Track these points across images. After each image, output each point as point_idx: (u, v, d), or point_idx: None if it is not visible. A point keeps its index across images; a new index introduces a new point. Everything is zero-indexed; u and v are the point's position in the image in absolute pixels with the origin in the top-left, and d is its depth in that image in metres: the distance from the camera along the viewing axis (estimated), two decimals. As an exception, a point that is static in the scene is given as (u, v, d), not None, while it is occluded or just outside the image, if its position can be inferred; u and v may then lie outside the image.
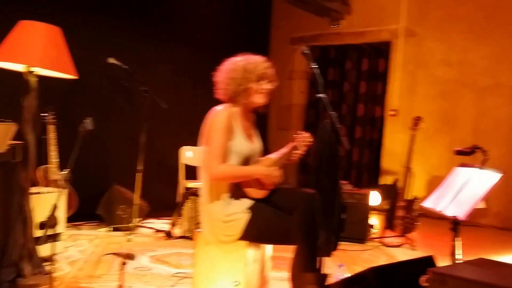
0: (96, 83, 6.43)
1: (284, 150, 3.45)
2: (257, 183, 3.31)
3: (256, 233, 3.24)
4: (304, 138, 3.39)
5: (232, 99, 3.36)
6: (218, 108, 3.32)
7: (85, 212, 6.05)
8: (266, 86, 3.35)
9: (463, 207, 3.37)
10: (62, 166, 5.57)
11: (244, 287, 3.27)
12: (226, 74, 3.34)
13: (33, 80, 3.84)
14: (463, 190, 3.48)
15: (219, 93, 3.40)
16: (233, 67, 3.32)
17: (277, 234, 3.25)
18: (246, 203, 3.27)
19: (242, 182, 3.30)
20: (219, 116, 3.25)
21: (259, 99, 3.36)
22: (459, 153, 4.28)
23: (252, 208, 3.25)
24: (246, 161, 3.34)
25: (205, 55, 7.83)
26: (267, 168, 3.30)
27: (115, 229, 5.90)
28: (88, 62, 5.76)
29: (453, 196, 3.48)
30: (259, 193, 3.31)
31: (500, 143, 7.61)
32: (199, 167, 3.38)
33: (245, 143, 3.32)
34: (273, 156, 3.46)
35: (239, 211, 3.24)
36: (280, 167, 3.39)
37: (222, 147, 3.20)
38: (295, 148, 3.39)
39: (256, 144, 3.47)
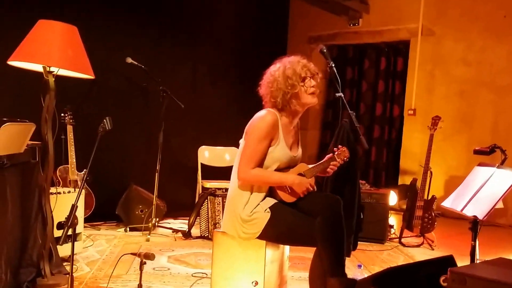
0: (114, 83, 6.45)
1: (321, 161, 3.43)
2: (288, 188, 3.30)
3: (275, 233, 3.24)
4: (342, 152, 3.37)
5: (283, 108, 3.33)
6: (264, 112, 3.30)
7: (103, 212, 6.09)
8: (312, 83, 3.31)
9: (482, 207, 3.33)
10: (80, 166, 5.61)
11: (263, 287, 3.26)
12: (269, 88, 3.30)
13: (51, 80, 3.85)
14: (482, 190, 3.44)
15: (268, 106, 3.36)
16: (273, 78, 3.29)
17: (296, 235, 3.24)
18: (268, 202, 3.27)
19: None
20: (264, 122, 3.23)
21: (310, 100, 3.33)
22: (477, 152, 4.26)
23: (273, 208, 3.24)
24: (284, 168, 3.34)
25: (223, 55, 7.87)
26: (297, 177, 3.27)
27: (133, 229, 5.92)
28: (106, 62, 5.82)
29: (472, 196, 3.44)
30: (288, 198, 3.29)
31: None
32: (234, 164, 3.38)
33: (286, 151, 3.32)
34: (310, 165, 3.44)
35: (260, 210, 3.24)
36: (313, 175, 3.37)
37: (258, 153, 3.22)
38: (332, 160, 3.37)
39: (297, 152, 3.46)
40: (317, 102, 3.37)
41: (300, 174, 3.32)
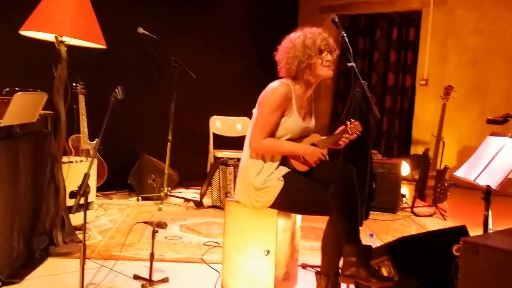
0: (126, 53, 6.43)
1: (334, 133, 3.41)
2: (301, 158, 3.29)
3: (288, 201, 3.23)
4: (355, 126, 3.34)
5: (296, 77, 3.31)
6: (277, 83, 3.28)
7: (115, 181, 6.14)
8: (329, 57, 3.28)
9: (495, 177, 3.29)
10: (92, 136, 5.63)
11: (274, 256, 3.27)
12: (286, 53, 3.27)
13: (63, 50, 3.84)
14: (495, 159, 3.40)
15: (282, 72, 3.34)
16: (292, 45, 3.25)
17: (309, 204, 3.23)
18: (282, 171, 3.27)
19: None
20: (277, 93, 3.21)
21: (325, 72, 3.30)
22: (490, 122, 4.21)
23: (286, 177, 3.24)
24: (297, 138, 3.33)
25: (235, 25, 7.83)
26: (309, 147, 3.27)
27: (145, 198, 5.97)
28: (118, 32, 5.78)
29: (485, 166, 3.40)
30: (301, 167, 3.29)
31: (533, 112, 7.48)
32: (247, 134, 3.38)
33: (299, 122, 3.30)
34: (323, 137, 3.42)
35: (274, 179, 3.23)
36: (325, 147, 3.35)
37: (270, 123, 3.21)
38: (345, 132, 3.34)
39: (310, 123, 3.45)
40: (331, 74, 3.34)
41: (312, 145, 3.31)
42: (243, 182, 3.33)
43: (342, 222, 3.08)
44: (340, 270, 3.12)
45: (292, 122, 3.27)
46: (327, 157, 3.35)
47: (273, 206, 3.25)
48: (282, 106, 3.22)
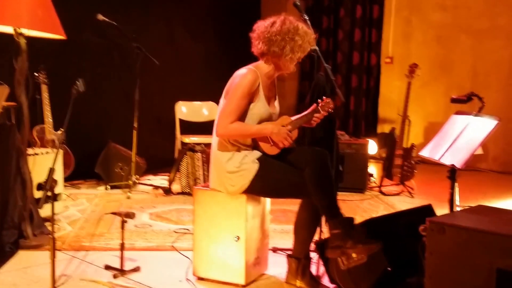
0: (87, 41, 6.34)
1: (304, 113, 3.42)
2: (268, 140, 3.30)
3: (264, 184, 3.25)
4: (326, 104, 3.35)
5: (266, 58, 3.33)
6: (244, 70, 3.29)
7: (82, 171, 6.10)
8: (300, 55, 3.30)
9: (460, 155, 3.35)
10: (57, 126, 5.56)
11: (245, 242, 3.30)
12: (271, 35, 3.25)
13: (23, 42, 3.80)
14: (460, 138, 3.46)
15: (255, 49, 3.34)
16: (281, 37, 3.23)
17: (285, 187, 3.27)
18: (256, 154, 3.29)
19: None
20: (245, 79, 3.22)
21: (291, 69, 3.36)
22: (455, 101, 4.27)
23: (261, 159, 3.26)
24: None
25: (198, 10, 7.78)
26: (276, 126, 3.27)
27: (114, 187, 5.94)
28: (77, 20, 5.71)
29: (450, 145, 3.46)
30: (271, 150, 3.30)
31: (498, 86, 7.64)
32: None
33: (266, 107, 3.32)
34: (293, 118, 3.44)
35: (249, 161, 3.25)
36: (296, 127, 3.38)
37: (239, 109, 3.21)
38: (316, 111, 3.35)
39: (275, 108, 3.47)
40: (292, 70, 3.39)
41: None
42: (216, 169, 3.34)
43: (322, 201, 3.13)
44: (326, 245, 3.16)
45: (260, 107, 3.29)
46: (295, 138, 3.37)
47: (247, 190, 3.26)
48: (251, 92, 3.24)
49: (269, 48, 3.26)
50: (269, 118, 3.37)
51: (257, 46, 3.32)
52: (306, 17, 3.58)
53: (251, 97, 3.25)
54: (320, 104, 3.35)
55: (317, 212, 3.24)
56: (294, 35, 3.24)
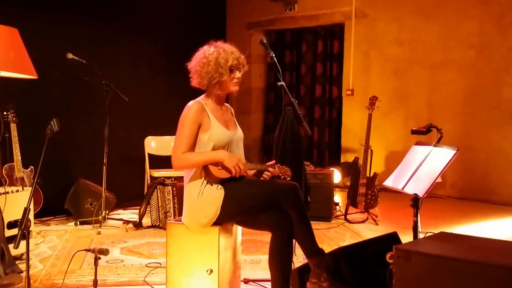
0: (56, 79, 6.40)
1: (260, 165, 3.54)
2: (219, 165, 3.35)
3: (235, 203, 3.32)
4: (286, 171, 3.51)
5: (207, 90, 3.46)
6: (190, 102, 3.41)
7: (51, 207, 6.07)
8: (238, 74, 3.43)
9: (422, 185, 3.46)
10: (25, 163, 5.58)
11: (217, 275, 3.33)
12: (199, 67, 3.40)
13: (-6, 82, 3.85)
14: (421, 168, 3.57)
15: (194, 82, 3.47)
16: (206, 61, 3.38)
17: (258, 197, 3.33)
18: (217, 182, 3.36)
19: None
20: (189, 110, 3.35)
21: (232, 88, 3.46)
22: (415, 132, 4.39)
23: (223, 184, 3.35)
24: (229, 148, 3.44)
25: (163, 45, 7.90)
26: (228, 153, 3.36)
27: (84, 223, 5.91)
28: (47, 59, 5.77)
29: (412, 175, 3.57)
30: (219, 173, 3.35)
31: (454, 116, 7.86)
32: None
33: (222, 130, 3.40)
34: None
35: (213, 189, 3.32)
36: (248, 169, 3.45)
37: (187, 138, 3.30)
38: (273, 168, 3.50)
39: (236, 130, 3.56)
40: (237, 89, 3.50)
41: None
42: (188, 205, 3.40)
43: (302, 244, 3.33)
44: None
45: (216, 131, 3.37)
46: (247, 171, 3.44)
47: (221, 217, 3.32)
48: (197, 120, 3.33)
49: (201, 80, 3.41)
50: (232, 141, 3.46)
51: (194, 83, 3.47)
52: (273, 54, 3.72)
53: (198, 124, 3.33)
54: (280, 166, 3.51)
55: (288, 243, 3.27)
56: (210, 59, 3.37)
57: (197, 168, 3.36)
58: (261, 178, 3.52)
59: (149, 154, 6.92)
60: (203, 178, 3.36)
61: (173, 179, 5.79)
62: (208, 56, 3.39)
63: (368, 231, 5.68)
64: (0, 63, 3.72)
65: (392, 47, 8.46)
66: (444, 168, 3.44)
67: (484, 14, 7.67)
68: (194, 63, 3.44)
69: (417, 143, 3.83)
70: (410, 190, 3.51)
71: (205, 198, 3.31)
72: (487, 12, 7.65)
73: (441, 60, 8.04)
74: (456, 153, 3.46)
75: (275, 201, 3.30)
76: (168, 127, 6.82)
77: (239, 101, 9.30)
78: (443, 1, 7.99)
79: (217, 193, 3.31)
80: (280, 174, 3.51)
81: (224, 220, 3.36)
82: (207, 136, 3.34)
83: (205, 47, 3.46)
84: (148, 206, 5.83)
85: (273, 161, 3.53)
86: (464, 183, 7.83)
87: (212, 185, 3.34)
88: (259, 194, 3.34)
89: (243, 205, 3.34)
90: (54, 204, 6.07)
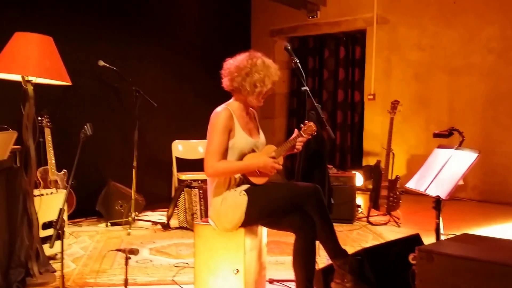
0: (89, 85, 6.55)
1: (288, 140, 3.54)
2: (257, 172, 3.43)
3: (260, 210, 3.36)
4: (309, 128, 3.48)
5: (234, 94, 3.53)
6: (218, 109, 3.45)
7: (83, 209, 6.21)
8: (261, 90, 3.46)
9: (444, 187, 3.49)
10: (59, 166, 5.75)
11: (244, 274, 3.40)
12: (238, 73, 3.44)
13: (30, 89, 3.93)
14: (443, 170, 3.60)
15: (225, 83, 3.51)
16: (246, 71, 3.42)
17: (280, 203, 3.38)
18: (242, 188, 3.42)
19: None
20: (219, 117, 3.38)
21: (257, 103, 3.53)
22: (437, 135, 4.38)
23: (247, 191, 3.39)
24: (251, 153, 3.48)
25: (190, 52, 8.05)
26: (260, 160, 3.40)
27: (114, 224, 6.04)
28: (80, 66, 5.92)
29: (434, 177, 3.61)
30: (259, 180, 3.43)
31: (474, 120, 7.90)
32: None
33: (246, 138, 3.45)
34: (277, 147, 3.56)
35: (236, 195, 3.37)
36: (282, 155, 3.50)
37: (219, 146, 3.34)
38: (299, 136, 3.49)
39: (259, 138, 3.60)
40: (259, 104, 3.56)
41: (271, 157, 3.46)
42: (213, 210, 3.46)
43: (326, 245, 3.40)
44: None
45: (240, 140, 3.42)
46: (281, 163, 3.48)
47: (246, 223, 3.37)
48: (228, 126, 3.37)
49: (231, 83, 3.46)
50: (255, 148, 3.50)
51: (223, 82, 3.52)
52: (297, 60, 3.75)
53: (228, 131, 3.37)
54: (302, 129, 3.49)
55: (311, 244, 3.35)
56: (250, 71, 3.40)
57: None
58: (295, 151, 3.53)
59: (176, 158, 7.06)
60: (227, 185, 3.42)
61: (199, 181, 5.89)
62: (251, 67, 3.42)
63: (390, 233, 5.72)
64: (36, 70, 3.83)
65: (413, 52, 8.53)
66: (466, 171, 3.46)
67: (505, 19, 7.73)
68: (234, 67, 3.45)
69: (439, 146, 3.85)
70: (432, 192, 3.54)
71: (229, 205, 3.37)
72: (508, 17, 7.70)
73: (461, 64, 8.10)
74: (478, 156, 3.48)
75: (298, 204, 3.35)
76: (195, 131, 6.98)
77: (263, 106, 9.23)
78: (463, 6, 8.05)
79: (240, 200, 3.35)
80: (310, 137, 3.51)
81: (249, 224, 3.41)
82: (231, 143, 3.40)
83: (252, 56, 3.47)
84: (176, 208, 5.93)
85: (296, 132, 3.52)
86: (485, 186, 7.86)
87: (235, 190, 3.40)
88: (282, 198, 3.38)
89: (266, 210, 3.38)
90: (86, 206, 6.20)
